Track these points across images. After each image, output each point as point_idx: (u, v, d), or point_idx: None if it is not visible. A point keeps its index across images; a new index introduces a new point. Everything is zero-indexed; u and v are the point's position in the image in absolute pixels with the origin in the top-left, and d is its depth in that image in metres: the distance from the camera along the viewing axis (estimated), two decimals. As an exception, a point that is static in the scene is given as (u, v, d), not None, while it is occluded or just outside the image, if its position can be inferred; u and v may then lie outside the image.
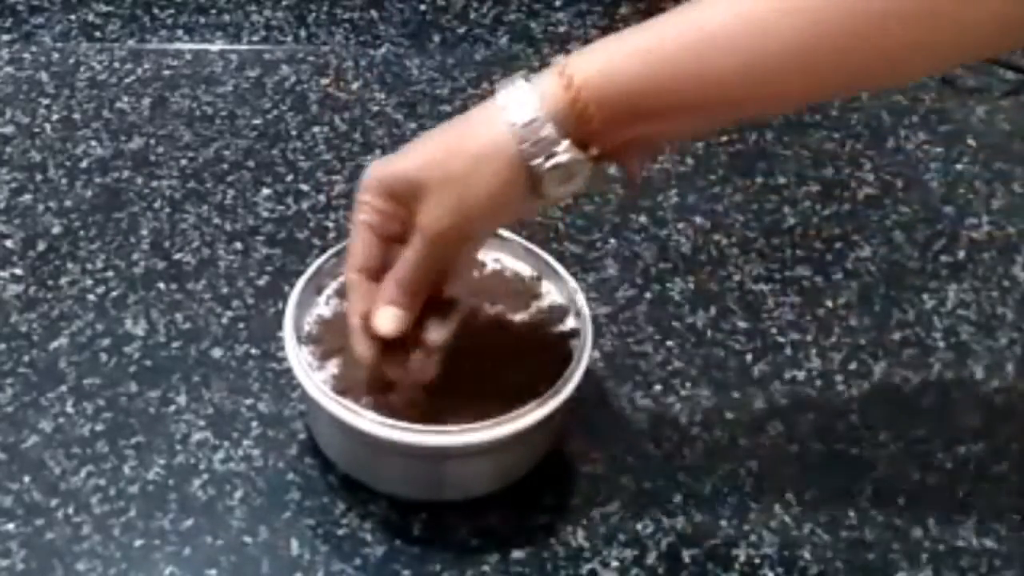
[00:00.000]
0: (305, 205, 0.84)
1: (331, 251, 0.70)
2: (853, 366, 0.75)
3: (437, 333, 0.62)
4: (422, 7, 1.02)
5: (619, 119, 0.57)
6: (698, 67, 0.56)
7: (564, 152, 0.57)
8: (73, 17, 0.99)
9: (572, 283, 0.69)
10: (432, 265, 0.60)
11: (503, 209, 0.60)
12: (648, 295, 0.79)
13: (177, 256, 0.80)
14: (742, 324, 0.78)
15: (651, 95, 0.56)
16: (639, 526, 0.67)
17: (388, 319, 0.61)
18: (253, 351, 0.74)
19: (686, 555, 0.65)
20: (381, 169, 0.61)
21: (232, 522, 0.66)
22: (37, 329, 0.75)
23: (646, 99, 0.57)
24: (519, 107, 0.57)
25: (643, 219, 0.84)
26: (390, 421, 0.62)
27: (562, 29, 1.00)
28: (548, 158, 0.57)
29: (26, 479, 0.67)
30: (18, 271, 0.79)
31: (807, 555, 0.66)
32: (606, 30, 0.99)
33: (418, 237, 0.60)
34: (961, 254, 0.83)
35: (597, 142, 0.57)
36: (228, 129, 0.90)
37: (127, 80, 0.94)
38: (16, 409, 0.71)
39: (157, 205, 0.84)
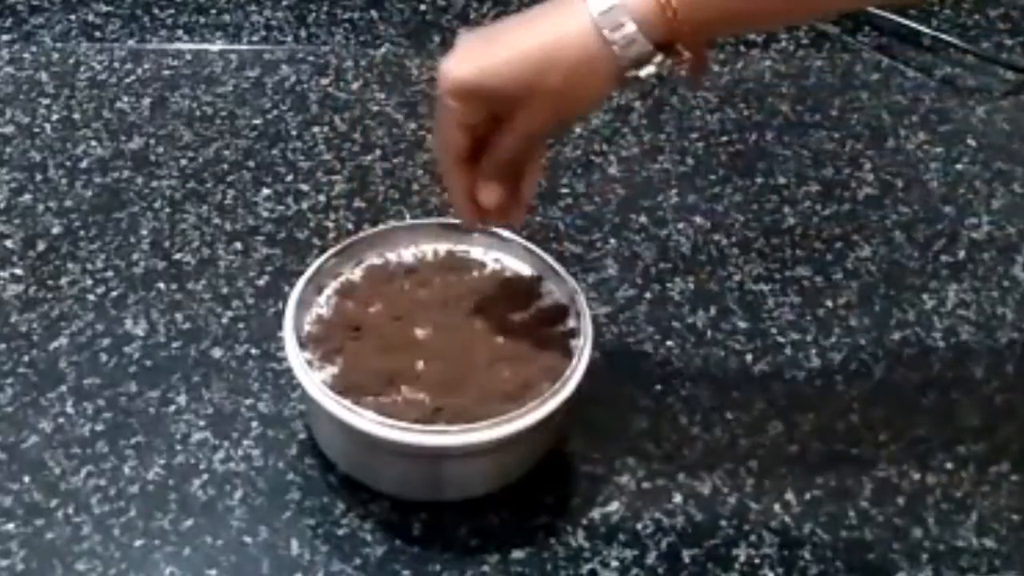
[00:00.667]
0: (305, 205, 0.84)
1: (331, 251, 0.70)
2: (853, 366, 0.75)
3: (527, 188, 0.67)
4: (422, 7, 1.02)
5: (705, 27, 0.60)
6: None
7: (655, 63, 0.60)
8: (73, 17, 0.99)
9: (572, 283, 0.69)
10: (529, 147, 0.64)
11: (597, 104, 0.69)
12: (648, 295, 0.79)
13: (177, 256, 0.80)
14: (742, 324, 0.78)
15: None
16: (639, 526, 0.67)
17: (492, 193, 0.65)
18: (253, 351, 0.74)
19: (686, 555, 0.65)
20: (469, 78, 0.61)
21: (232, 522, 0.66)
22: (37, 329, 0.75)
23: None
24: (613, 18, 0.58)
25: (643, 219, 0.84)
26: (390, 421, 0.62)
27: (562, 29, 1.00)
28: (641, 66, 0.59)
29: (26, 479, 0.67)
30: (18, 271, 0.79)
31: (807, 555, 0.66)
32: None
33: (517, 133, 0.62)
34: (961, 254, 0.83)
35: (681, 41, 0.60)
36: (228, 129, 0.90)
37: (127, 80, 0.94)
38: (16, 409, 0.71)
39: (157, 205, 0.84)
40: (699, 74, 0.62)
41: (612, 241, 0.83)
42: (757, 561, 0.65)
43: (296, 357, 0.65)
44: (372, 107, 0.92)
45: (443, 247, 0.72)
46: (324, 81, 0.94)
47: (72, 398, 0.71)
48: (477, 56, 0.61)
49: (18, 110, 0.91)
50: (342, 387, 0.64)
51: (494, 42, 0.62)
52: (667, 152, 0.90)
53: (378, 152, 0.88)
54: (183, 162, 0.87)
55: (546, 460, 0.68)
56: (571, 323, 0.68)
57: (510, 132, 0.62)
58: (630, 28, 0.58)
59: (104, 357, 0.74)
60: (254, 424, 0.71)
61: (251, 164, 0.87)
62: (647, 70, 0.60)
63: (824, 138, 0.92)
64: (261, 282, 0.79)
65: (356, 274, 0.71)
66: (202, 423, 0.70)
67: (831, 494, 0.68)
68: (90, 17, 0.99)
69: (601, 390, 0.73)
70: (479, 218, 0.66)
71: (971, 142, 0.92)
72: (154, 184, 0.85)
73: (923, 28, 1.00)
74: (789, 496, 0.68)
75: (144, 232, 0.82)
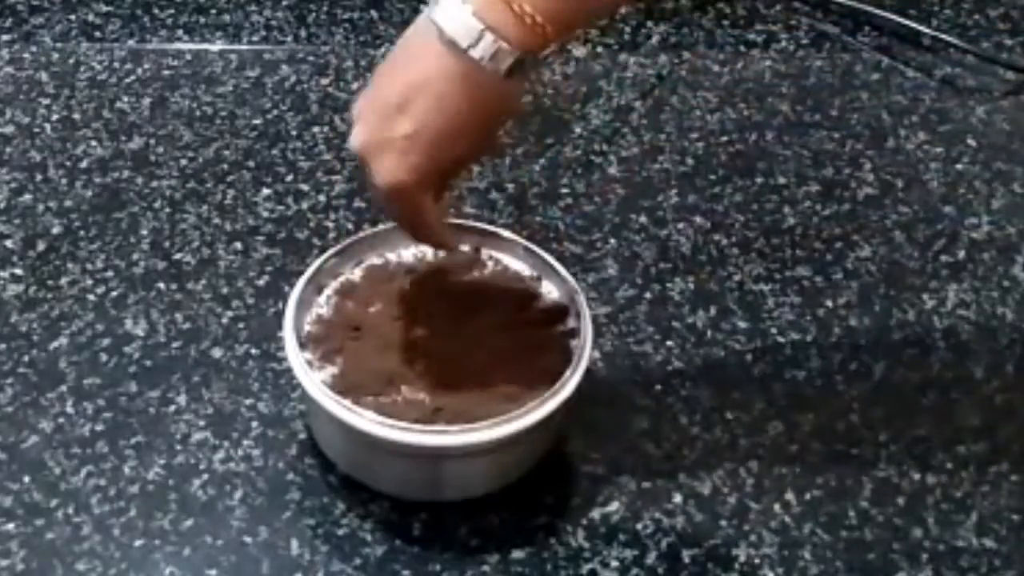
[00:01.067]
0: (305, 205, 0.84)
1: (331, 251, 0.70)
2: (853, 366, 0.75)
3: None
4: (422, 7, 1.01)
5: (567, 29, 0.60)
6: None
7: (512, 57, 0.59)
8: (73, 17, 0.99)
9: (572, 283, 0.69)
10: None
11: (508, 119, 0.65)
12: (648, 295, 0.79)
13: (177, 256, 0.80)
14: (742, 324, 0.78)
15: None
16: (639, 526, 0.67)
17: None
18: (253, 351, 0.74)
19: (686, 555, 0.65)
20: (411, 184, 0.61)
21: (232, 522, 0.66)
22: (37, 329, 0.75)
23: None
24: (465, 34, 0.58)
25: (643, 219, 0.84)
26: (390, 421, 0.62)
27: (562, 29, 1.00)
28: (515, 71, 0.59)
29: (26, 479, 0.67)
30: (18, 271, 0.79)
31: (807, 555, 0.66)
32: (605, 30, 1.00)
33: (456, 174, 0.65)
34: (961, 254, 0.83)
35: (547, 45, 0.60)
36: (228, 129, 0.90)
37: (127, 80, 0.94)
38: (16, 409, 0.71)
39: (157, 205, 0.84)
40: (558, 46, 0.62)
41: (612, 241, 0.83)
42: (757, 561, 0.65)
43: (296, 357, 0.65)
44: (372, 107, 0.92)
45: (443, 247, 0.72)
46: (324, 81, 0.94)
47: (72, 398, 0.71)
48: (400, 155, 0.61)
49: (18, 110, 0.91)
50: (342, 387, 0.64)
51: (398, 124, 0.60)
52: (667, 152, 0.90)
53: (378, 152, 0.88)
54: (183, 162, 0.87)
55: (546, 460, 0.68)
56: (571, 323, 0.68)
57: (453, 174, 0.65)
58: (492, 43, 0.58)
59: (104, 357, 0.74)
60: (254, 424, 0.71)
61: (251, 164, 0.87)
62: (496, 56, 0.59)
63: (824, 138, 0.92)
64: (261, 282, 0.79)
65: (356, 274, 0.71)
66: (202, 423, 0.70)
67: (831, 494, 0.69)
68: (90, 17, 0.99)
69: (601, 390, 0.73)
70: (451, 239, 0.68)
71: (971, 142, 0.92)
72: (154, 184, 0.85)
73: (923, 28, 1.00)
74: (789, 496, 0.68)
75: (144, 232, 0.82)
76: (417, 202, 0.62)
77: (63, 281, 0.78)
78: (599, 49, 0.99)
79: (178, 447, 0.69)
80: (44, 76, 0.94)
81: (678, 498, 0.68)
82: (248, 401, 0.72)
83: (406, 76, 0.60)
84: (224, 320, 0.76)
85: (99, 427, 0.70)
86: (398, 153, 0.60)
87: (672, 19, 1.02)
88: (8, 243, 0.81)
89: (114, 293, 0.78)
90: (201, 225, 0.82)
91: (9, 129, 0.89)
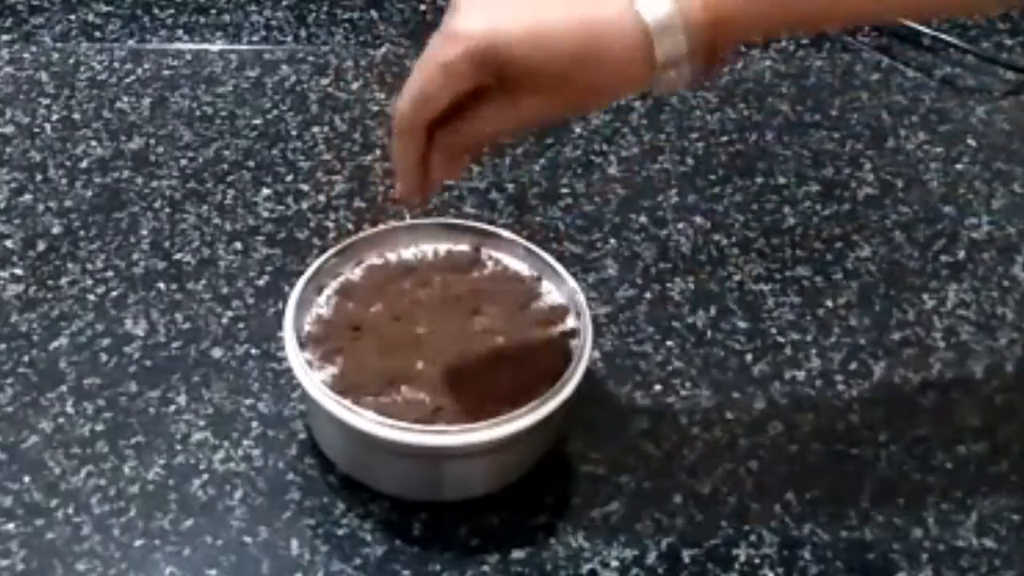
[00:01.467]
0: (305, 205, 0.84)
1: (331, 251, 0.70)
2: (853, 366, 0.75)
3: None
4: (422, 7, 1.02)
5: (741, 36, 0.58)
6: None
7: (687, 65, 0.56)
8: (73, 17, 0.99)
9: (572, 283, 0.69)
10: (511, 134, 0.61)
11: (612, 101, 0.63)
12: (648, 295, 0.79)
13: (177, 256, 0.80)
14: (742, 324, 0.78)
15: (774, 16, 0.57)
16: (639, 526, 0.67)
17: (454, 171, 0.60)
18: (253, 351, 0.74)
19: (686, 555, 0.65)
20: (487, 40, 0.54)
21: (232, 522, 0.66)
22: (37, 329, 0.75)
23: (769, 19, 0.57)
24: (662, 25, 0.54)
25: (643, 219, 0.84)
26: (390, 421, 0.62)
27: (562, 29, 1.00)
28: (674, 69, 0.55)
29: (26, 479, 0.67)
30: (18, 271, 0.79)
31: (807, 555, 0.66)
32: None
33: (516, 118, 0.56)
34: (961, 254, 0.83)
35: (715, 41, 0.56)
36: (228, 129, 0.90)
37: (127, 80, 0.94)
38: (16, 409, 0.71)
39: (157, 205, 0.84)
40: (714, 76, 0.60)
41: (612, 241, 0.83)
42: (757, 561, 0.65)
43: (296, 357, 0.65)
44: (372, 107, 0.92)
45: (443, 247, 0.72)
46: (324, 81, 0.94)
47: (72, 398, 0.71)
48: (497, 17, 0.54)
49: (18, 110, 0.91)
50: (342, 387, 0.64)
51: (518, 5, 0.55)
52: (667, 152, 0.90)
53: (378, 152, 0.88)
54: (183, 162, 0.87)
55: (546, 460, 0.68)
56: (571, 323, 0.68)
57: (506, 114, 0.56)
58: (670, 12, 0.54)
59: (104, 357, 0.74)
60: (254, 424, 0.71)
61: (251, 164, 0.87)
62: (674, 71, 0.56)
63: (824, 138, 0.92)
64: (261, 282, 0.79)
65: (356, 274, 0.71)
66: (202, 423, 0.70)
67: (831, 494, 0.68)
68: (90, 17, 0.99)
69: (601, 390, 0.73)
70: (419, 195, 0.60)
71: (971, 142, 0.92)
72: (154, 184, 0.85)
73: (923, 28, 1.00)
74: (789, 496, 0.68)
75: (144, 232, 0.82)
76: (456, 80, 0.55)
77: (63, 281, 0.78)
78: (599, 49, 0.98)
79: (178, 447, 0.69)
80: (44, 76, 0.94)
81: (678, 498, 0.68)
82: (248, 401, 0.72)
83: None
84: (224, 320, 0.76)
85: (99, 427, 0.70)
86: (508, 22, 0.54)
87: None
88: (8, 243, 0.81)
89: (114, 293, 0.78)
90: (201, 225, 0.82)
91: (9, 129, 0.89)
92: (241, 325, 0.76)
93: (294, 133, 0.90)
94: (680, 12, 0.55)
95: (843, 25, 0.93)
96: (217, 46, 0.97)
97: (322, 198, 0.85)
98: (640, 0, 0.55)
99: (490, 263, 0.72)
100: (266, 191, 0.85)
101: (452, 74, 0.55)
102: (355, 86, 0.94)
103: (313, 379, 0.64)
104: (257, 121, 0.91)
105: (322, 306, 0.69)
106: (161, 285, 0.78)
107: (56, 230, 0.82)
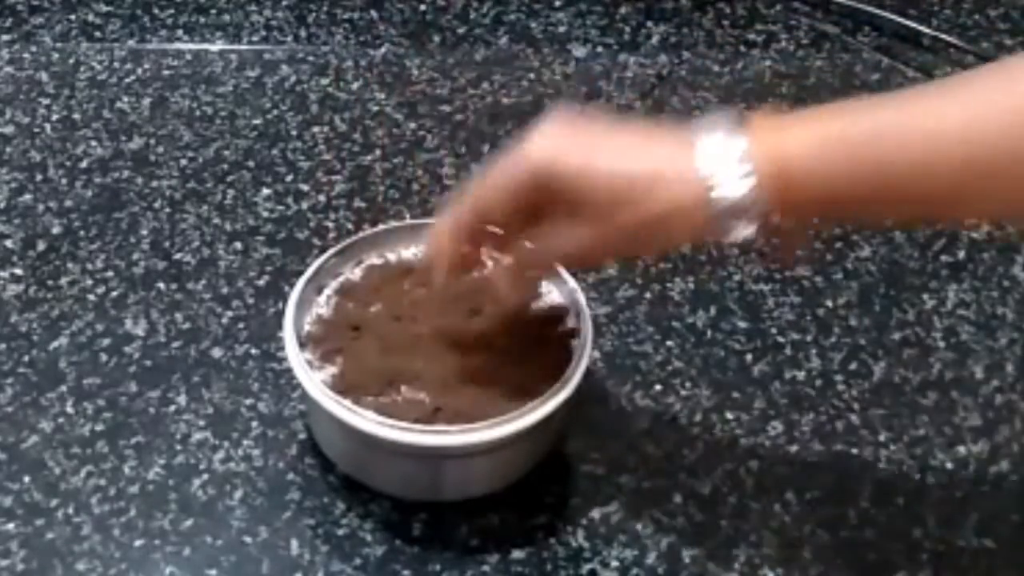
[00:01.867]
0: (305, 205, 0.84)
1: (331, 251, 0.70)
2: (853, 366, 0.75)
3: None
4: (422, 7, 1.02)
5: (814, 212, 0.57)
6: (924, 169, 0.53)
7: (748, 232, 0.55)
8: (73, 17, 0.99)
9: (572, 283, 0.69)
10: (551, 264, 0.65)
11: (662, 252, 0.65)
12: (648, 295, 0.79)
13: (177, 256, 0.80)
14: (742, 324, 0.78)
15: (859, 198, 0.54)
16: (639, 526, 0.67)
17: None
18: (253, 351, 0.74)
19: (686, 555, 0.65)
20: (559, 166, 0.57)
21: (232, 522, 0.66)
22: (37, 329, 0.75)
23: (851, 202, 0.55)
24: (727, 186, 0.54)
25: (643, 219, 0.84)
26: (390, 421, 0.62)
27: (562, 29, 1.00)
28: (731, 232, 0.55)
29: (26, 479, 0.67)
30: (18, 271, 0.79)
31: (807, 555, 0.66)
32: (605, 30, 1.00)
33: (572, 239, 0.59)
34: (961, 254, 0.83)
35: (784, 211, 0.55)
36: (228, 129, 0.90)
37: (127, 80, 0.94)
38: (16, 409, 0.71)
39: (157, 205, 0.84)
40: (790, 255, 0.58)
41: (612, 241, 0.82)
42: (757, 561, 0.65)
43: (296, 357, 0.65)
44: (372, 107, 0.92)
45: (443, 247, 0.72)
46: (324, 81, 0.94)
47: (72, 398, 0.71)
48: (578, 149, 0.57)
49: (18, 110, 0.91)
50: (342, 387, 0.64)
51: (597, 145, 0.58)
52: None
53: (378, 152, 0.88)
54: (183, 162, 0.87)
55: (546, 460, 0.68)
56: (571, 323, 0.68)
57: (565, 235, 0.59)
58: (742, 202, 0.54)
59: (104, 357, 0.74)
60: (254, 424, 0.71)
61: (251, 164, 0.87)
62: (736, 231, 0.55)
63: (824, 138, 0.92)
64: (261, 282, 0.79)
65: (356, 274, 0.71)
66: (202, 423, 0.70)
67: (831, 494, 0.68)
68: (90, 17, 0.99)
69: (601, 390, 0.73)
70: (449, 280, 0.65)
71: (971, 142, 0.92)
72: (154, 184, 0.85)
73: (923, 28, 1.00)
74: (789, 496, 0.68)
75: (144, 232, 0.82)
76: (515, 195, 0.58)
77: (63, 281, 0.78)
78: (599, 49, 0.99)
79: (178, 447, 0.69)
80: (44, 76, 0.94)
81: (678, 498, 0.68)
82: (248, 401, 0.72)
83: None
84: (224, 320, 0.76)
85: (99, 427, 0.70)
86: (585, 157, 0.57)
87: (672, 19, 1.02)
88: (8, 243, 0.81)
89: (114, 293, 0.78)
90: (201, 225, 0.82)
91: (9, 129, 0.89)
92: (241, 325, 0.76)
93: (294, 133, 0.90)
94: (751, 178, 0.54)
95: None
96: (217, 46, 0.97)
97: (322, 198, 0.85)
98: (704, 160, 0.55)
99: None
100: (266, 191, 0.85)
101: (515, 180, 0.59)
102: (355, 86, 0.94)
103: (313, 379, 0.64)
104: (257, 121, 0.91)
105: (322, 306, 0.69)
106: (161, 285, 0.78)
107: (56, 230, 0.82)
